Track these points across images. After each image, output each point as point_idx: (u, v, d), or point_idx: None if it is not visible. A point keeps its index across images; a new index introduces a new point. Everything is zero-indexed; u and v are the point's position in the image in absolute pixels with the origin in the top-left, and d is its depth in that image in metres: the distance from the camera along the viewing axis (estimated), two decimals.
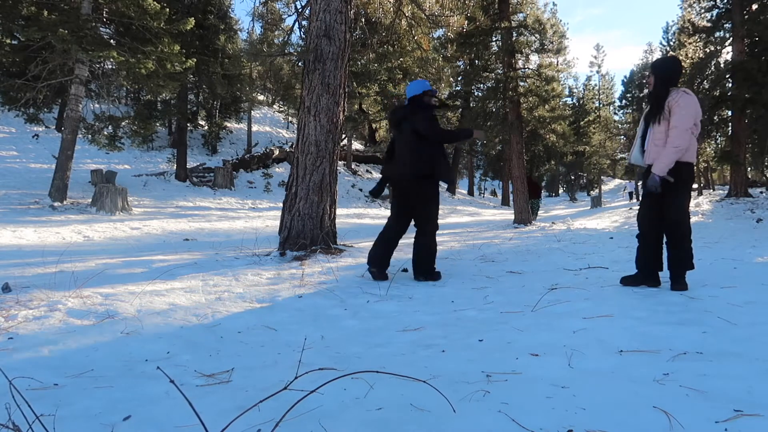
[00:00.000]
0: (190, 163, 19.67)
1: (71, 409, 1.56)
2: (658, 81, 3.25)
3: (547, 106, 18.46)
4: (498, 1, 14.25)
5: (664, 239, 3.38)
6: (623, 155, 41.27)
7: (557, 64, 20.22)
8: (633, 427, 1.32)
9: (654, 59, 36.51)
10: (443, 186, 18.04)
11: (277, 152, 23.57)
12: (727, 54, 17.12)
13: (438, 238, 4.31)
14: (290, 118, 32.25)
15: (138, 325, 2.51)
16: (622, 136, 41.74)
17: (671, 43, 33.58)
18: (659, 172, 3.15)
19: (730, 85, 15.88)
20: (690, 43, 18.59)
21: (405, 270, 4.45)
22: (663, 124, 3.16)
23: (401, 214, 4.16)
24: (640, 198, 3.55)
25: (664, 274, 3.46)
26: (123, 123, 13.49)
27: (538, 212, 17.31)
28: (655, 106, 3.21)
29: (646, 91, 3.69)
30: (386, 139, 21.52)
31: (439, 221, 4.26)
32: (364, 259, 5.22)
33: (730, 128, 17.07)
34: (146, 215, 11.28)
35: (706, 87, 16.97)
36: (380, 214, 17.04)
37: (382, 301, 3.32)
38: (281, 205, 5.80)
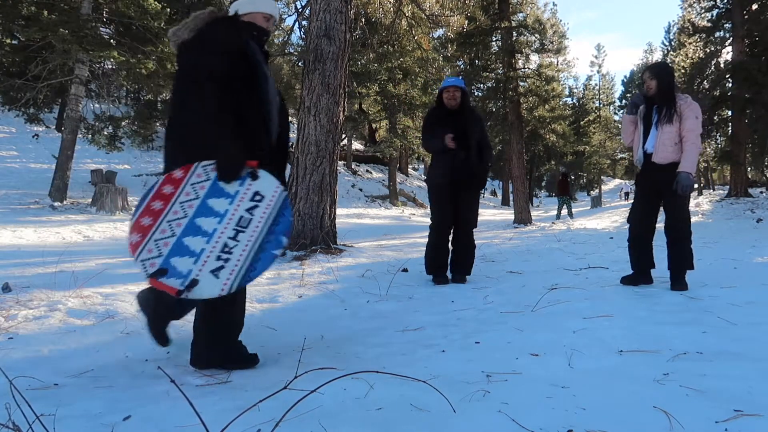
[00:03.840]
0: None
1: (71, 409, 1.56)
2: (664, 84, 3.27)
3: (547, 106, 18.49)
4: (498, 1, 14.25)
5: (657, 240, 3.40)
6: (623, 155, 41.24)
7: (557, 64, 20.26)
8: (633, 427, 1.32)
9: (652, 61, 36.40)
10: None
11: None
12: (727, 54, 17.11)
13: None
14: (290, 118, 32.23)
15: (138, 325, 2.50)
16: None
17: (672, 43, 33.56)
18: (692, 170, 3.19)
19: (730, 85, 15.86)
20: (690, 43, 18.58)
21: (405, 270, 4.45)
22: (675, 125, 3.21)
23: None
24: (634, 199, 3.56)
25: (657, 273, 3.47)
26: (123, 123, 13.48)
27: (561, 212, 16.08)
28: (666, 108, 3.25)
29: (645, 93, 3.76)
30: (386, 139, 21.48)
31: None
32: (365, 259, 5.23)
33: (730, 128, 17.06)
34: None
35: (706, 87, 16.96)
36: (380, 214, 17.04)
37: (382, 301, 3.32)
38: None
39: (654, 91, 3.30)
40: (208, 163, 1.99)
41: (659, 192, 3.32)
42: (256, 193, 1.98)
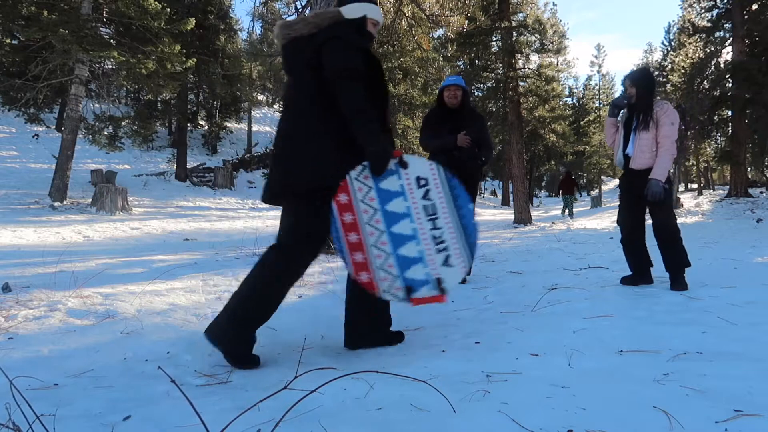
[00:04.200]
0: (190, 163, 19.67)
1: (71, 409, 1.56)
2: (643, 92, 3.32)
3: (547, 106, 18.48)
4: (498, 1, 14.25)
5: (652, 240, 3.42)
6: None
7: (557, 64, 20.25)
8: (633, 427, 1.32)
9: (652, 61, 36.12)
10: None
11: None
12: (727, 54, 17.09)
13: None
14: None
15: (138, 325, 2.50)
16: None
17: (672, 43, 33.52)
18: (663, 178, 3.22)
19: (730, 85, 15.85)
20: (690, 43, 18.58)
21: None
22: (651, 131, 3.26)
23: None
24: (620, 201, 3.59)
25: (657, 272, 3.47)
26: (123, 123, 13.49)
27: (567, 210, 16.60)
28: (643, 115, 3.29)
29: (628, 99, 3.85)
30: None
31: None
32: None
33: (730, 128, 17.05)
34: (146, 215, 11.28)
35: (706, 87, 16.94)
36: None
37: None
38: None
39: (635, 99, 3.34)
40: (358, 173, 2.00)
41: (640, 196, 3.35)
42: (418, 178, 2.04)
